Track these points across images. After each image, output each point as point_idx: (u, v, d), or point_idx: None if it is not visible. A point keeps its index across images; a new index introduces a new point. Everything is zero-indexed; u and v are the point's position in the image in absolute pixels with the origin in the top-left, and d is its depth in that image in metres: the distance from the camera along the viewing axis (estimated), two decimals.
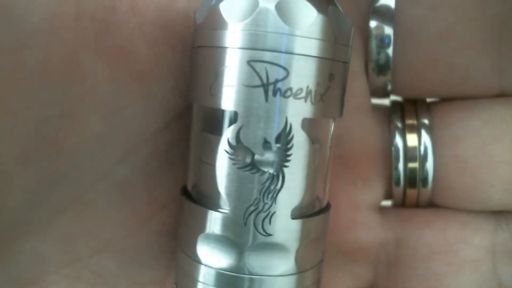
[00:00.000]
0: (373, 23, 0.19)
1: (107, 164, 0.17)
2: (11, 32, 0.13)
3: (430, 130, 0.20)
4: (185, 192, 0.17)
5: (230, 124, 0.14)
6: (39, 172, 0.15)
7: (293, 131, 0.14)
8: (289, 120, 0.14)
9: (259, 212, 0.14)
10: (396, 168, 0.20)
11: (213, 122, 0.15)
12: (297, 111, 0.14)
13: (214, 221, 0.15)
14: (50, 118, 0.15)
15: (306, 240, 0.15)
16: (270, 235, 0.15)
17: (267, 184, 0.14)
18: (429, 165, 0.20)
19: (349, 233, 0.20)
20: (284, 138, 0.14)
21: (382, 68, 0.20)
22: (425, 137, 0.20)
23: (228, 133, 0.14)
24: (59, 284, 0.17)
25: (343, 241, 0.20)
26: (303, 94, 0.14)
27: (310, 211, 0.16)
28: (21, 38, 0.13)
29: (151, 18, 0.16)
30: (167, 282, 0.19)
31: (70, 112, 0.15)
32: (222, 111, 0.15)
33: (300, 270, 0.15)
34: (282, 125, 0.14)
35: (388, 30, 0.19)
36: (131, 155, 0.17)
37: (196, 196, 0.16)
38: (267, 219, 0.14)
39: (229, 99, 0.14)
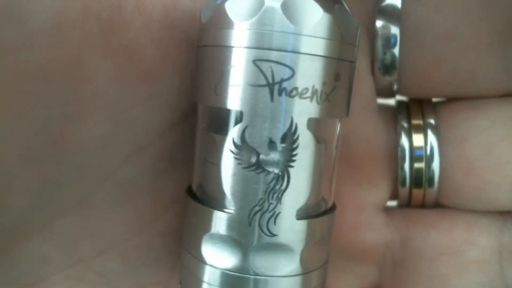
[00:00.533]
0: (379, 23, 0.19)
1: (112, 164, 0.16)
2: (16, 32, 0.13)
3: (436, 130, 0.20)
4: (190, 192, 0.17)
5: (235, 124, 0.14)
6: (43, 173, 0.15)
7: (299, 131, 0.14)
8: (295, 120, 0.14)
9: (264, 212, 0.14)
10: (402, 168, 0.20)
11: (218, 121, 0.15)
12: (303, 110, 0.14)
13: (219, 221, 0.15)
14: (55, 118, 0.15)
15: (311, 241, 0.15)
16: (275, 235, 0.14)
17: (272, 184, 0.14)
18: (435, 165, 0.20)
19: (354, 234, 0.20)
20: (290, 138, 0.14)
21: (388, 68, 0.20)
22: (431, 137, 0.20)
23: (233, 132, 0.14)
24: (62, 285, 0.17)
25: (348, 242, 0.20)
26: (308, 94, 0.14)
27: (316, 211, 0.16)
28: (25, 38, 0.13)
29: (157, 17, 0.16)
30: (171, 283, 0.19)
31: (75, 112, 0.15)
32: (228, 111, 0.15)
33: (305, 271, 0.15)
34: (288, 125, 0.14)
35: (394, 30, 0.19)
36: (136, 156, 0.17)
37: (201, 196, 0.16)
38: (272, 220, 0.14)
39: (234, 99, 0.14)
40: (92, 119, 0.15)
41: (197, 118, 0.16)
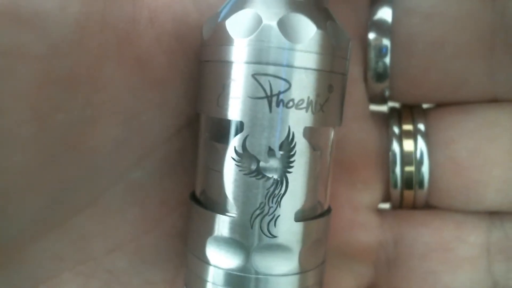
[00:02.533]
0: (371, 35, 0.20)
1: (123, 166, 0.18)
2: (42, 42, 0.14)
3: (426, 134, 0.21)
4: (193, 198, 0.18)
5: (236, 133, 0.15)
6: (60, 173, 0.16)
7: (296, 139, 0.15)
8: (292, 129, 0.15)
9: (265, 215, 0.15)
10: (394, 171, 0.21)
11: (221, 131, 0.16)
12: (299, 120, 0.15)
13: (222, 225, 0.16)
14: (73, 122, 0.16)
15: (309, 241, 0.16)
16: (275, 237, 0.15)
17: (271, 189, 0.15)
18: (425, 168, 0.21)
19: (349, 234, 0.21)
20: (287, 146, 0.15)
21: (380, 76, 0.21)
22: (421, 142, 0.21)
23: (235, 141, 0.15)
24: (73, 281, 0.18)
25: (344, 242, 0.21)
26: (304, 105, 0.15)
27: (312, 214, 0.17)
28: (50, 48, 0.14)
29: (168, 30, 0.17)
30: (177, 280, 0.20)
31: (91, 116, 0.16)
32: (229, 121, 0.16)
33: (303, 270, 0.16)
34: (285, 134, 0.15)
35: (386, 41, 0.20)
36: (145, 159, 0.18)
37: (205, 201, 0.17)
38: (272, 222, 0.15)
39: (235, 110, 0.15)
40: (106, 123, 0.16)
41: (200, 128, 0.17)
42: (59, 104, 0.15)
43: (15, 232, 0.16)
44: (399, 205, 0.22)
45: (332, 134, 0.17)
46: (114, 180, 0.18)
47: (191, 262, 0.17)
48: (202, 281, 0.17)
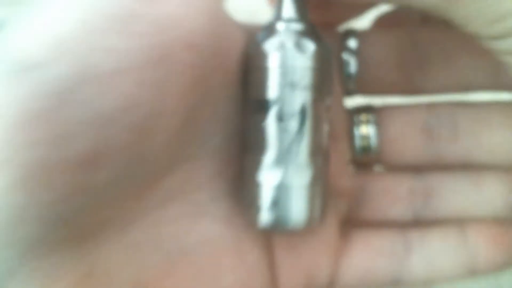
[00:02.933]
0: (344, 55, 0.29)
1: (211, 133, 0.24)
2: (193, 52, 0.20)
3: (375, 122, 0.31)
4: (245, 149, 0.25)
5: (272, 106, 0.24)
6: (187, 134, 0.22)
7: (307, 108, 0.24)
8: (304, 102, 0.24)
9: (291, 151, 0.24)
10: (356, 144, 0.30)
11: (263, 106, 0.24)
12: (308, 97, 0.24)
13: (267, 159, 0.24)
14: (198, 106, 0.22)
15: (317, 167, 0.24)
16: (298, 163, 0.25)
17: (294, 136, 0.24)
18: (374, 141, 0.30)
19: (335, 179, 0.27)
20: (301, 112, 0.24)
21: (349, 78, 0.29)
22: (373, 126, 0.30)
23: (272, 111, 0.24)
24: (181, 206, 0.24)
25: (331, 184, 0.27)
26: (310, 88, 0.25)
27: (318, 152, 0.25)
28: (198, 57, 0.20)
29: (235, 47, 0.24)
30: (235, 211, 0.26)
31: (205, 104, 0.22)
32: (268, 100, 0.24)
33: (314, 183, 0.24)
34: (301, 105, 0.24)
35: (353, 58, 0.29)
36: (221, 129, 0.25)
37: (253, 150, 0.25)
38: (296, 154, 0.24)
39: (271, 93, 0.24)
40: (208, 107, 0.23)
41: (249, 106, 0.25)
42: (196, 96, 0.21)
43: (159, 168, 0.22)
44: (362, 165, 0.30)
45: (327, 104, 0.25)
46: (204, 141, 0.24)
47: (247, 188, 0.25)
48: (256, 197, 0.24)
